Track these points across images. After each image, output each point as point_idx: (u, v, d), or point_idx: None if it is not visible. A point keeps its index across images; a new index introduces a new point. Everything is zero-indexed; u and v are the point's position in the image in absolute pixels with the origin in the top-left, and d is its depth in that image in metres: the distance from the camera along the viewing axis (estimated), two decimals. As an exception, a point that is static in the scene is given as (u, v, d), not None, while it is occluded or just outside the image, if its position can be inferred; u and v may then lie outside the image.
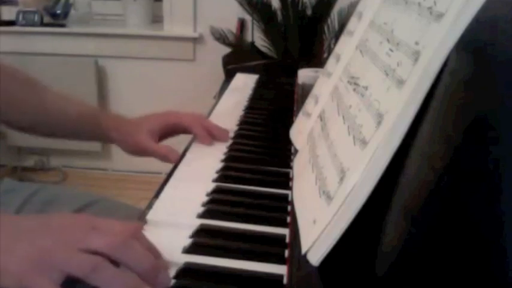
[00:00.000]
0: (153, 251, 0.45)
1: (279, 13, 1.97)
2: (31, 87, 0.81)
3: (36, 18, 2.31)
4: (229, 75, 1.23)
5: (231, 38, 2.08)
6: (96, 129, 0.82)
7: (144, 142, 0.79)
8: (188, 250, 0.49)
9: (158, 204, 0.58)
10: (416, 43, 0.40)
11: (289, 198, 0.60)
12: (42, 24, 2.33)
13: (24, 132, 0.84)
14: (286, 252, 0.49)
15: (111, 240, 0.42)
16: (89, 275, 0.39)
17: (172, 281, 0.44)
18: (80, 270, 0.40)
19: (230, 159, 0.72)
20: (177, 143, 0.81)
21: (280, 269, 0.47)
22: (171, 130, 0.82)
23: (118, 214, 0.83)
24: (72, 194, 0.88)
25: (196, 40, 2.34)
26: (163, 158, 0.78)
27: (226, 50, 2.06)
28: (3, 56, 0.90)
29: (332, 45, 1.88)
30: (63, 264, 0.40)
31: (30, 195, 0.80)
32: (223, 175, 0.66)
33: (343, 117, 0.50)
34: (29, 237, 0.42)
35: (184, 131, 0.81)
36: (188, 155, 0.74)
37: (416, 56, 0.39)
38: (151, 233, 0.52)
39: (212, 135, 0.78)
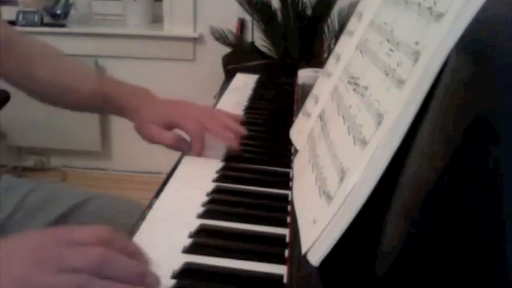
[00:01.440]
0: (132, 250, 0.44)
1: (279, 13, 1.97)
2: (49, 57, 0.85)
3: (36, 18, 2.30)
4: (229, 75, 1.23)
5: (231, 38, 2.08)
6: (110, 107, 0.81)
7: (157, 135, 0.76)
8: (188, 250, 0.49)
9: (158, 204, 0.58)
10: (416, 43, 0.40)
11: (289, 198, 0.60)
12: (42, 24, 2.32)
13: (34, 97, 0.84)
14: (286, 252, 0.49)
15: (91, 257, 0.40)
16: None
17: (173, 281, 0.44)
18: None
19: (230, 159, 0.72)
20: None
21: (280, 269, 0.47)
22: (173, 127, 0.81)
23: (116, 209, 0.84)
24: (70, 191, 0.88)
25: (196, 40, 2.34)
26: (174, 147, 0.75)
27: (226, 50, 2.05)
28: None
29: (332, 45, 1.88)
30: None
31: (28, 192, 0.80)
32: (223, 175, 0.66)
33: (343, 117, 0.50)
34: (5, 265, 0.39)
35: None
36: (188, 155, 0.74)
37: (416, 56, 0.39)
38: (151, 233, 0.52)
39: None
